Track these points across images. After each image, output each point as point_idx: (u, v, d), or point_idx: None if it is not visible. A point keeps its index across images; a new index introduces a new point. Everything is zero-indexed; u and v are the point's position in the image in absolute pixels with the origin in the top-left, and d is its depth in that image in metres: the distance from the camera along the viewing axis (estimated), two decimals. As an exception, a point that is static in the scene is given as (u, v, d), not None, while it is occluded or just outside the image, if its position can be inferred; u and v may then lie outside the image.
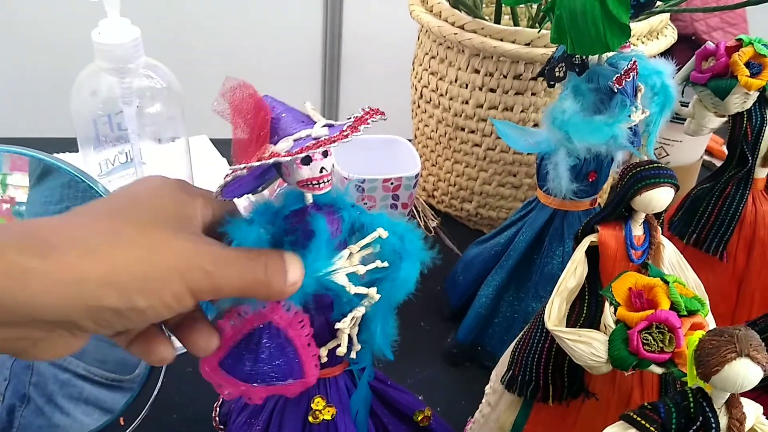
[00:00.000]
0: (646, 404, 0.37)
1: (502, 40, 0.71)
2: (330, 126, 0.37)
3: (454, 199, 0.86)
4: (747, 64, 0.57)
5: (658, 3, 0.77)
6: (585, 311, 0.48)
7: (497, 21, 0.78)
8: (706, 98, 0.61)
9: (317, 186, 0.38)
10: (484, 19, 0.74)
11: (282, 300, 0.39)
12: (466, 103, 0.77)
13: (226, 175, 0.36)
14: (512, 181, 0.81)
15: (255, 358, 0.40)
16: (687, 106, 0.64)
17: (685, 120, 0.65)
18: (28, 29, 1.46)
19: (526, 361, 0.50)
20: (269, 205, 0.40)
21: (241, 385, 0.40)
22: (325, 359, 0.43)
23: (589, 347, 0.43)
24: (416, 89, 0.85)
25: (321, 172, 0.37)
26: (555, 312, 0.47)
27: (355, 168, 0.71)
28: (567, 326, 0.47)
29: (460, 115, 0.79)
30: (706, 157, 0.93)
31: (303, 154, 0.35)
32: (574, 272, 0.48)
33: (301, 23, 1.58)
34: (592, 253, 0.48)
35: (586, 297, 0.49)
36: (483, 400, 0.57)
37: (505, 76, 0.74)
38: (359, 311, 0.41)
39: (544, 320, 0.47)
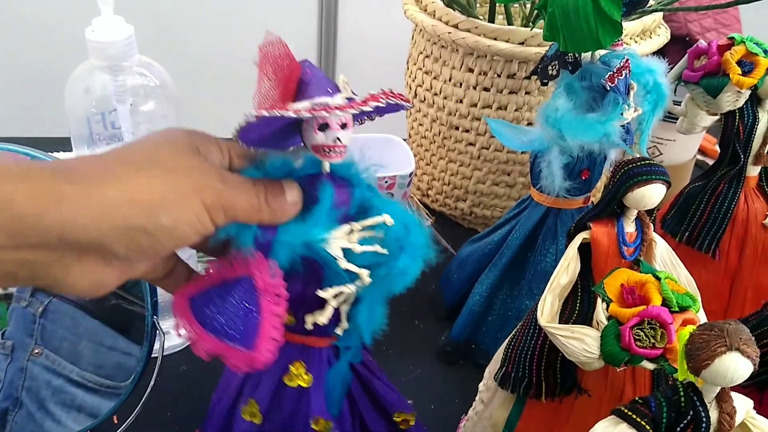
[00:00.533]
0: (637, 399, 0.37)
1: (495, 39, 0.71)
2: (351, 99, 0.38)
3: (448, 198, 0.87)
4: (739, 63, 0.58)
5: (651, 2, 0.77)
6: (578, 308, 0.49)
7: (491, 20, 0.78)
8: (699, 96, 0.61)
9: (328, 153, 0.39)
10: (478, 18, 0.74)
11: (270, 257, 0.39)
12: (460, 102, 0.78)
13: (242, 120, 0.38)
14: (506, 180, 0.81)
15: (220, 305, 0.40)
16: (680, 105, 0.65)
17: (677, 118, 0.66)
18: (21, 27, 1.45)
19: (519, 358, 0.50)
20: (287, 162, 0.41)
21: (195, 326, 0.40)
22: (310, 327, 0.43)
23: (581, 343, 0.44)
24: (411, 88, 0.85)
25: (335, 141, 0.38)
26: (548, 308, 0.47)
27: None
28: (560, 323, 0.47)
29: (454, 114, 0.79)
30: (699, 157, 0.94)
31: (308, 115, 0.36)
32: (566, 269, 0.48)
33: (296, 22, 1.58)
34: (585, 249, 0.49)
35: (579, 294, 0.49)
36: (476, 398, 0.57)
37: (498, 75, 0.74)
38: (348, 288, 0.41)
39: (537, 317, 0.47)
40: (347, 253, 0.40)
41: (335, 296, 0.42)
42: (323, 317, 0.42)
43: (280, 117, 0.36)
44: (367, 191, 0.41)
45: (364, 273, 0.40)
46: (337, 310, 0.43)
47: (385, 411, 0.50)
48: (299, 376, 0.46)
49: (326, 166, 0.41)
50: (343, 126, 0.39)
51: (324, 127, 0.38)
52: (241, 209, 0.38)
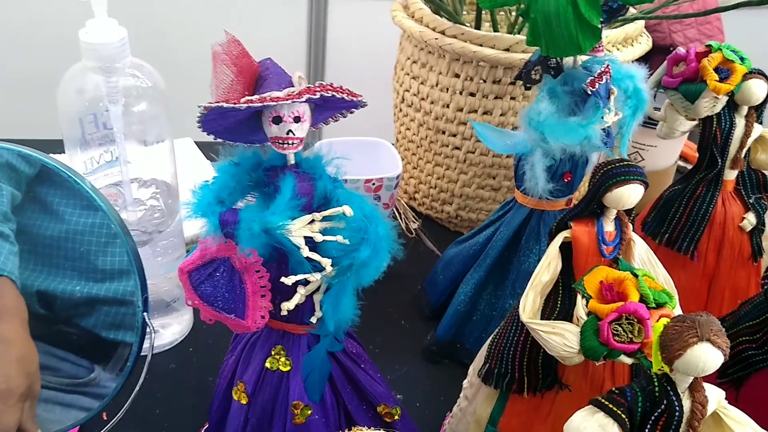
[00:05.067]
0: (613, 389, 0.38)
1: (481, 45, 0.73)
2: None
3: (435, 201, 0.88)
4: (716, 69, 0.60)
5: (633, 11, 0.79)
6: (559, 305, 0.50)
7: (477, 27, 0.79)
8: (677, 102, 0.63)
9: (282, 145, 0.42)
10: (465, 25, 0.76)
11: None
12: (447, 106, 0.79)
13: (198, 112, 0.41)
14: (492, 184, 0.82)
15: (212, 282, 0.45)
16: (659, 111, 0.66)
17: (657, 124, 0.67)
18: (15, 29, 1.46)
19: (502, 354, 0.52)
20: (256, 154, 0.44)
21: (196, 298, 0.45)
22: (285, 313, 0.45)
23: (561, 338, 0.45)
24: (398, 93, 0.87)
25: (288, 133, 0.41)
26: (530, 305, 0.48)
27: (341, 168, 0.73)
28: (542, 319, 0.49)
29: (441, 119, 0.80)
30: (680, 163, 0.96)
31: (244, 106, 0.39)
32: (548, 267, 0.49)
33: (286, 28, 1.60)
34: (566, 248, 0.50)
35: (560, 291, 0.50)
36: (461, 394, 0.58)
37: (484, 81, 0.75)
38: (313, 277, 0.43)
39: (519, 314, 0.48)
40: (314, 244, 0.42)
41: (302, 285, 0.44)
42: (291, 304, 0.45)
43: (231, 109, 0.39)
44: (331, 184, 0.44)
45: (326, 262, 0.42)
46: (311, 300, 0.45)
47: (370, 402, 0.52)
48: (279, 361, 0.48)
49: (290, 158, 0.43)
50: (297, 119, 0.41)
51: (278, 120, 0.41)
52: None
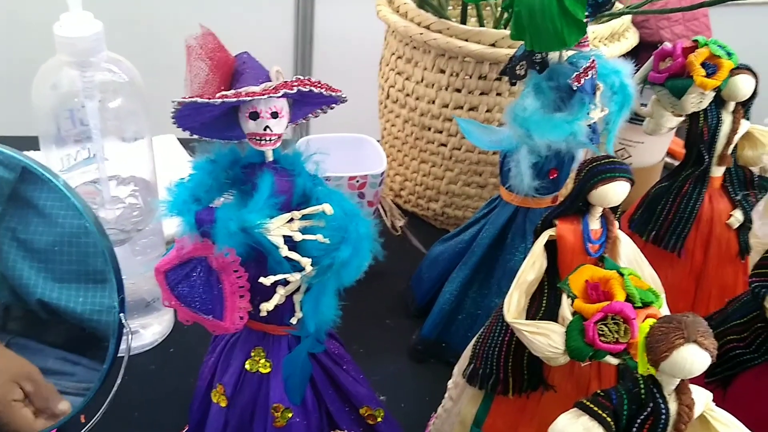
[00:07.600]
0: (599, 391, 0.37)
1: (467, 40, 0.72)
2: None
3: (420, 199, 0.87)
4: (703, 65, 0.59)
5: (619, 5, 0.79)
6: (544, 304, 0.49)
7: (463, 22, 0.78)
8: (664, 98, 0.62)
9: (259, 141, 0.41)
10: (450, 20, 0.75)
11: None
12: (432, 103, 0.78)
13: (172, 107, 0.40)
14: (478, 181, 0.81)
15: (188, 282, 0.44)
16: (646, 107, 0.66)
17: (644, 120, 0.67)
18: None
19: (487, 355, 0.51)
20: (233, 150, 0.43)
21: (172, 298, 0.44)
22: (264, 313, 0.44)
23: (546, 339, 0.44)
24: (383, 89, 0.86)
25: (265, 129, 0.40)
26: (514, 305, 0.47)
27: (321, 165, 0.72)
28: (527, 319, 0.48)
29: (426, 115, 0.79)
30: (668, 159, 0.95)
31: (219, 101, 0.38)
32: (533, 266, 0.49)
33: (273, 24, 1.58)
34: (551, 247, 0.49)
35: (546, 290, 0.49)
36: (446, 395, 0.57)
37: (470, 76, 0.75)
38: (293, 277, 0.42)
39: (503, 313, 0.47)
40: (294, 243, 0.41)
41: (282, 285, 0.43)
42: (270, 305, 0.44)
43: (206, 104, 0.38)
44: (310, 181, 0.43)
45: (306, 261, 0.41)
46: (291, 300, 0.44)
47: (352, 404, 0.51)
48: (259, 363, 0.47)
49: (268, 155, 0.42)
50: (274, 115, 0.40)
51: (255, 115, 0.40)
52: None
